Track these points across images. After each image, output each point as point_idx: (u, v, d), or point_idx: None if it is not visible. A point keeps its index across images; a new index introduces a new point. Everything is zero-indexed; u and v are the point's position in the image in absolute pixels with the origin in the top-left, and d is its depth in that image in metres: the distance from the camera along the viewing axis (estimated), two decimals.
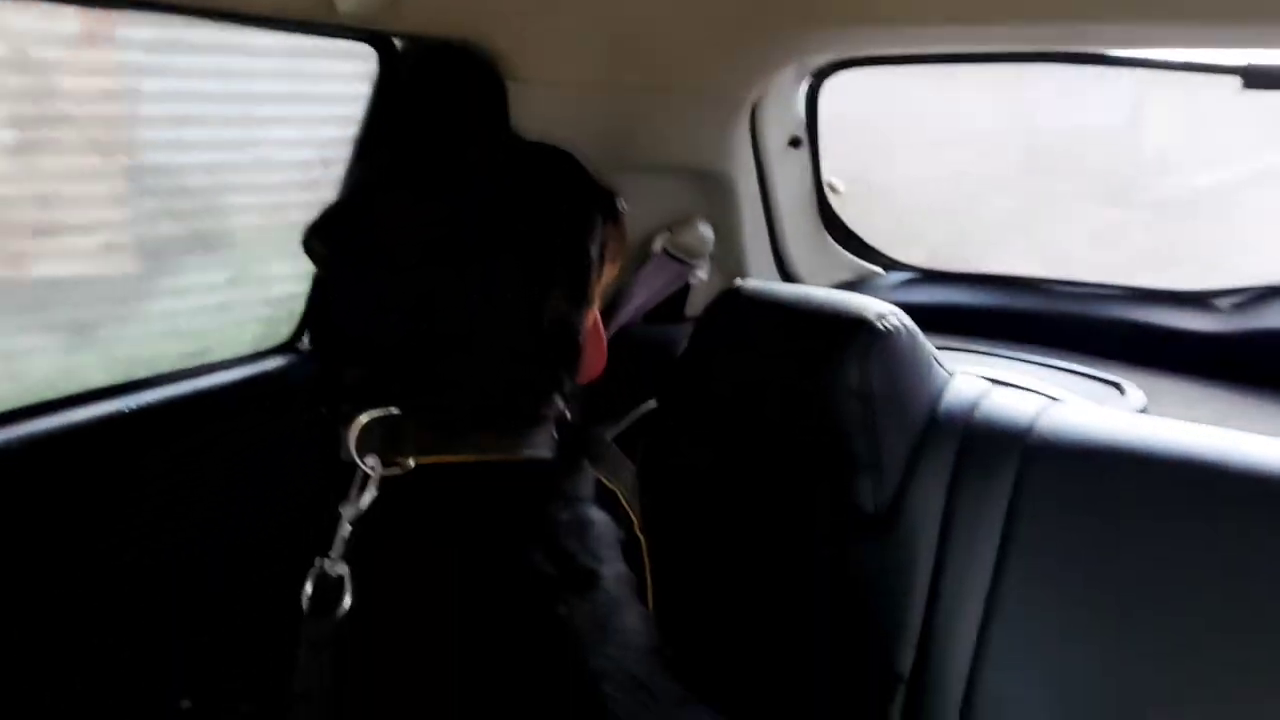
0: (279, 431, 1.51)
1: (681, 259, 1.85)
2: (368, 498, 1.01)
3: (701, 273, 1.90)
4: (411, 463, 1.04)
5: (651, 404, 1.67)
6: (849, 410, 1.34)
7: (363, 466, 1.02)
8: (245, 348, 1.59)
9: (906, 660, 1.35)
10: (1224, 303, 1.82)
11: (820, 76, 1.95)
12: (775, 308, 1.44)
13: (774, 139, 1.92)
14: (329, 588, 0.99)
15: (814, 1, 1.53)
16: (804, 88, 1.96)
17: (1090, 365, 1.72)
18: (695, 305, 1.94)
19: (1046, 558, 1.29)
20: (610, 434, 1.68)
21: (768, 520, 1.46)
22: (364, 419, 1.04)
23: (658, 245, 1.85)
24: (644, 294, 1.82)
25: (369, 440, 1.03)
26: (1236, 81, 1.54)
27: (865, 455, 1.36)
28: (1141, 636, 1.22)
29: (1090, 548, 1.27)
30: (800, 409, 1.39)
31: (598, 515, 1.15)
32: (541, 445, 1.13)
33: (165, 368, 1.46)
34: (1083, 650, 1.25)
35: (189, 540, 1.44)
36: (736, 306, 1.47)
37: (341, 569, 0.99)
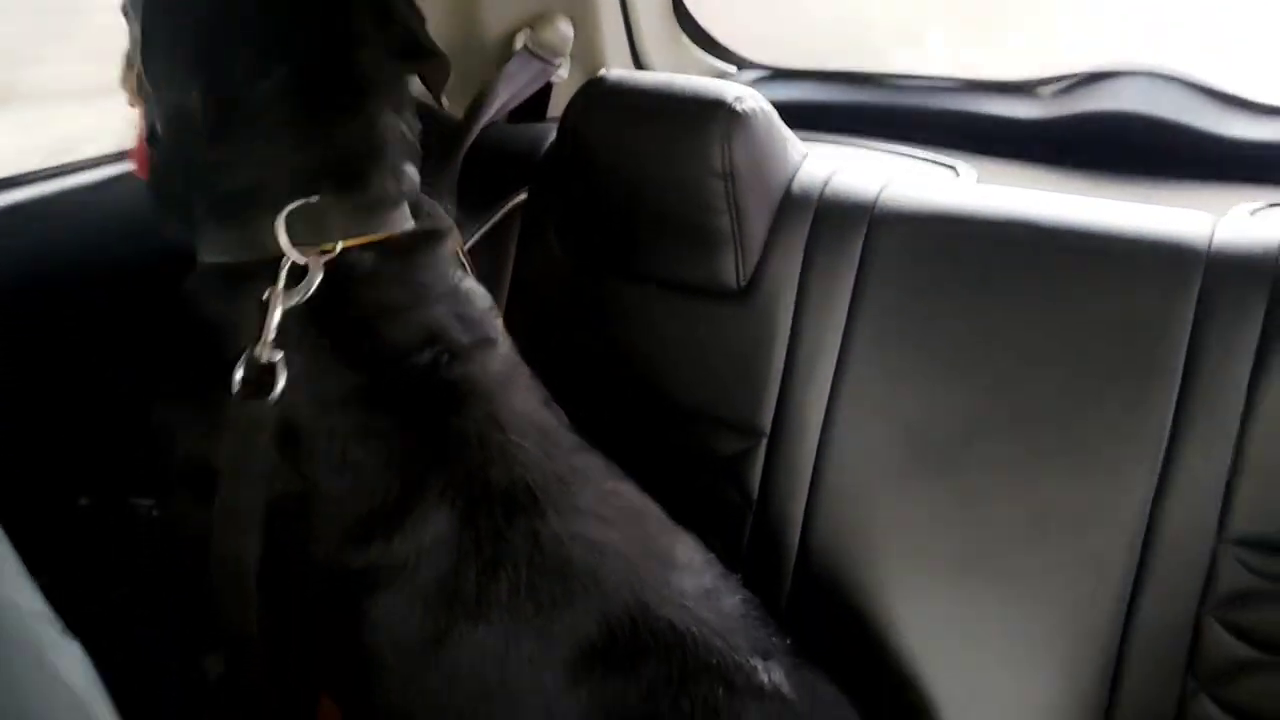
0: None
1: (543, 57, 1.86)
2: (312, 286, 1.04)
3: (563, 71, 1.92)
4: (338, 247, 1.07)
5: (521, 197, 1.73)
6: (712, 188, 1.43)
7: (295, 255, 1.04)
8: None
9: (767, 418, 1.48)
10: (1047, 90, 1.95)
11: None
12: (639, 94, 1.50)
13: None
14: (261, 372, 1.02)
15: None
16: None
17: (927, 151, 1.84)
18: (557, 104, 1.96)
19: (890, 316, 1.41)
20: (481, 228, 1.74)
21: (634, 297, 1.56)
22: (294, 204, 1.06)
23: (519, 43, 1.85)
24: (507, 92, 1.83)
25: (295, 230, 1.05)
26: None
27: (729, 232, 1.46)
28: (971, 377, 1.36)
29: (928, 304, 1.40)
30: (667, 189, 1.47)
31: (474, 283, 1.23)
32: (426, 220, 1.19)
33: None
34: (920, 395, 1.39)
35: (77, 337, 1.44)
36: (602, 95, 1.53)
37: (274, 355, 1.02)
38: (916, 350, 1.40)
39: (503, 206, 1.72)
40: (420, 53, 1.20)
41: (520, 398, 1.17)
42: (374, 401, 1.07)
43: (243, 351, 1.04)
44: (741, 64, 2.18)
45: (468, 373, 1.11)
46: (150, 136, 1.14)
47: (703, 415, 1.51)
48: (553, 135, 1.68)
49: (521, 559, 1.07)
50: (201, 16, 1.06)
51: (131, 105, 1.20)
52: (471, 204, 1.74)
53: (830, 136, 1.90)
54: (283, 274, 1.04)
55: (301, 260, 1.05)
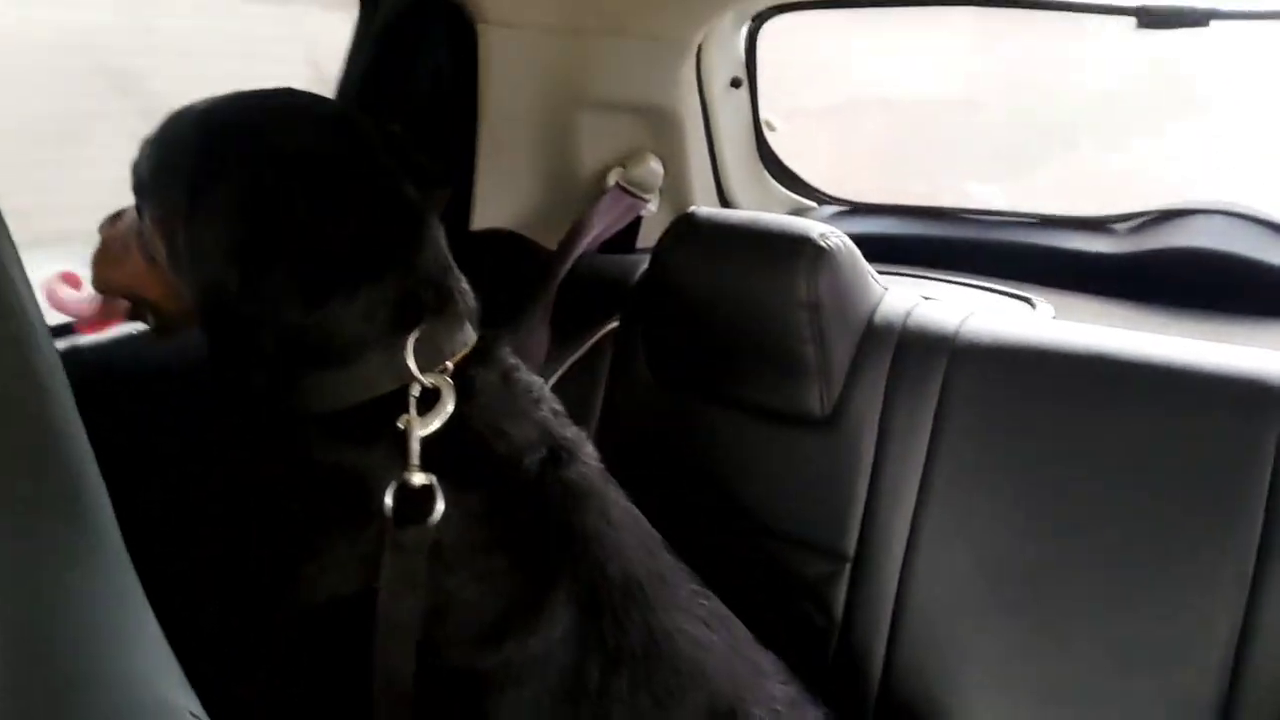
0: None
1: (634, 193, 1.96)
2: (448, 407, 1.07)
3: (652, 205, 2.02)
4: (451, 365, 1.12)
5: (612, 325, 1.81)
6: (798, 319, 1.48)
7: (423, 381, 1.07)
8: None
9: (851, 543, 1.50)
10: (1122, 227, 2.01)
11: (759, 20, 2.08)
12: (728, 230, 1.58)
13: (717, 79, 2.06)
14: (413, 497, 1.05)
15: None
16: (744, 31, 2.10)
17: (1004, 285, 1.89)
18: (646, 236, 2.06)
19: (971, 447, 1.43)
20: (574, 355, 1.82)
21: (722, 424, 1.61)
22: (415, 334, 1.08)
23: (612, 180, 1.96)
24: (599, 225, 1.93)
25: (420, 354, 1.08)
26: (1132, 21, 1.70)
27: (813, 361, 1.51)
28: (1051, 512, 1.37)
29: (1008, 437, 1.42)
30: (754, 321, 1.53)
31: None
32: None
33: None
34: (1003, 525, 1.40)
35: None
36: (692, 230, 1.60)
37: (426, 478, 1.05)
38: (997, 482, 1.42)
39: (595, 334, 1.79)
40: (438, 180, 1.23)
41: (617, 494, 1.21)
42: (505, 510, 1.10)
43: (382, 483, 1.06)
44: (822, 199, 2.27)
45: (579, 470, 1.15)
46: (204, 302, 1.10)
47: (788, 538, 1.54)
48: (643, 266, 1.75)
49: (639, 652, 1.10)
50: (258, 193, 1.06)
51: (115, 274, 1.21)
52: (565, 332, 1.82)
53: (909, 269, 1.96)
54: (413, 401, 1.07)
55: (430, 384, 1.09)
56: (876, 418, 1.50)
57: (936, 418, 1.46)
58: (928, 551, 1.45)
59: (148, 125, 1.13)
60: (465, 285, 1.19)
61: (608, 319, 1.80)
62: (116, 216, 1.21)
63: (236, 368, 1.11)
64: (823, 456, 1.53)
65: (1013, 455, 1.42)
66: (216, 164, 1.06)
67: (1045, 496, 1.38)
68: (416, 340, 1.08)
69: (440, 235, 1.17)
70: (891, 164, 2.36)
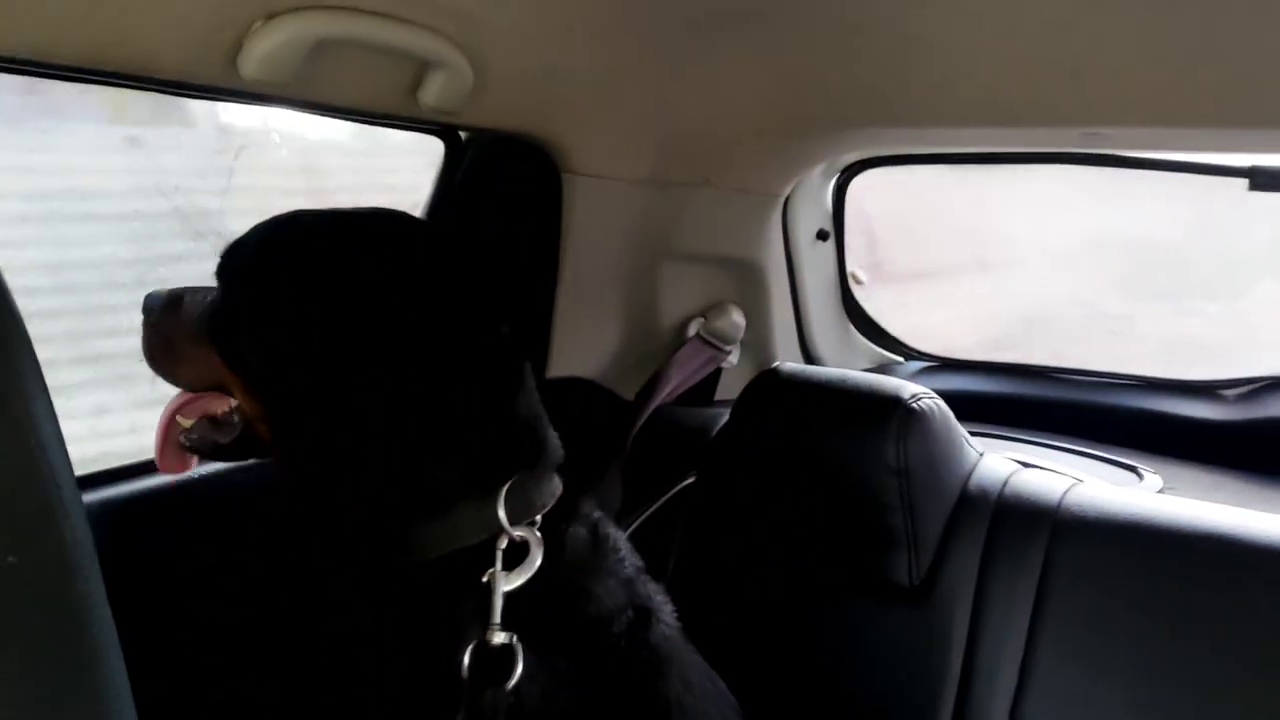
0: None
1: (715, 344, 1.93)
2: (535, 563, 1.02)
3: (733, 357, 1.98)
4: (539, 519, 1.06)
5: (688, 480, 1.74)
6: (887, 486, 1.41)
7: (512, 534, 1.02)
8: None
9: None
10: (1231, 393, 1.90)
11: (847, 173, 2.06)
12: (813, 388, 1.52)
13: (803, 231, 2.03)
14: (493, 657, 0.98)
15: (843, 106, 1.64)
16: (832, 184, 2.08)
17: (1106, 451, 1.79)
18: (726, 388, 2.01)
19: (1077, 629, 1.33)
20: (648, 509, 1.75)
21: (803, 592, 1.52)
22: (508, 484, 1.04)
23: (693, 330, 1.93)
24: (678, 376, 1.90)
25: (510, 505, 1.03)
26: (1244, 183, 1.64)
27: (902, 530, 1.42)
28: (1166, 698, 1.26)
29: (1119, 618, 1.32)
30: (839, 485, 1.45)
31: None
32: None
33: None
34: (1114, 715, 1.29)
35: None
36: (775, 386, 1.55)
37: (508, 638, 0.99)
38: (1107, 667, 1.31)
39: (671, 489, 1.73)
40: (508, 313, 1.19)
41: (695, 658, 1.16)
42: (590, 676, 1.03)
43: (462, 641, 1.00)
44: (909, 354, 2.20)
45: (662, 633, 1.10)
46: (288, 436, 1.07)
47: (873, 717, 1.43)
48: (722, 420, 1.70)
49: None
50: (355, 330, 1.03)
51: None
52: (639, 486, 1.76)
53: (1001, 429, 1.88)
54: (499, 555, 1.02)
55: (519, 538, 1.03)
56: (971, 592, 1.41)
57: (1039, 595, 1.37)
58: None
59: None
60: (554, 435, 1.15)
61: (684, 474, 1.73)
62: (174, 303, 1.14)
63: (326, 507, 1.08)
64: (911, 631, 1.43)
65: (1124, 639, 1.32)
66: (310, 265, 1.03)
67: (1159, 684, 1.28)
68: (508, 491, 1.04)
69: (532, 381, 1.13)
70: (983, 323, 2.29)
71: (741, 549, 1.60)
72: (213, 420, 1.13)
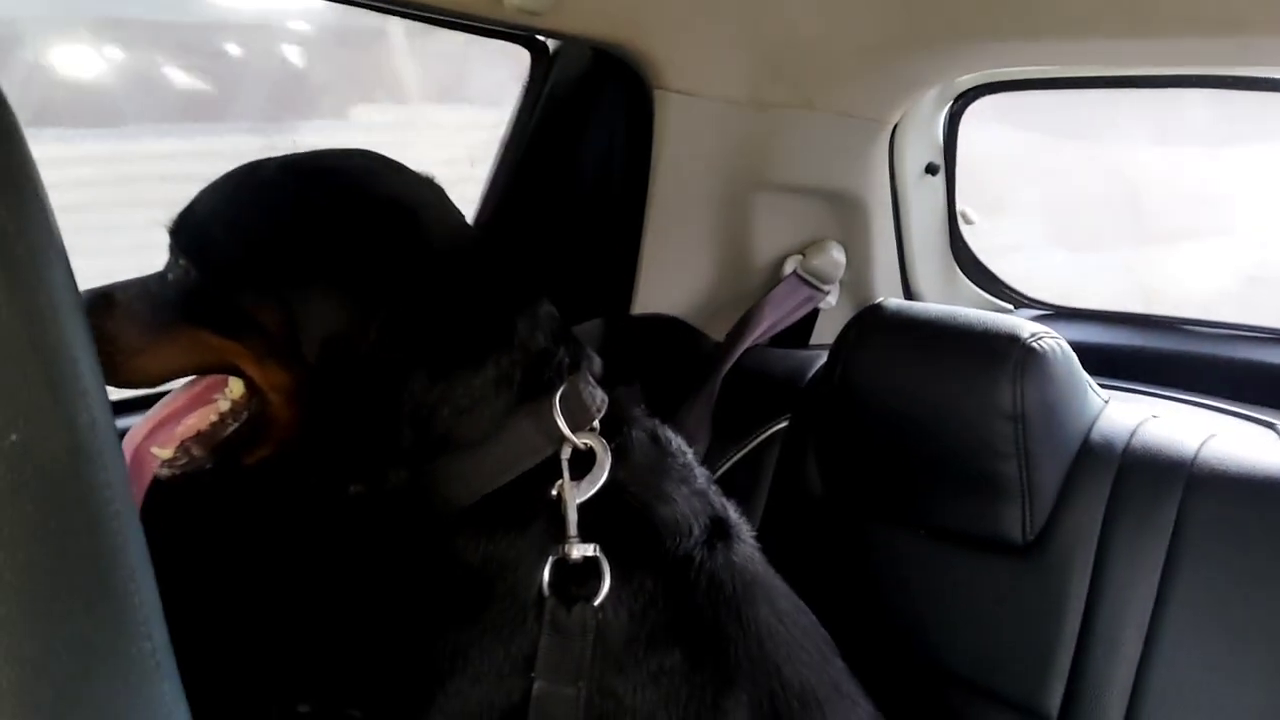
0: None
1: (812, 283, 1.82)
2: (604, 470, 0.96)
3: (831, 298, 1.86)
4: (598, 424, 1.00)
5: (780, 425, 1.64)
6: (999, 432, 1.29)
7: (575, 442, 0.97)
8: None
9: (1054, 700, 1.28)
10: None
11: (961, 100, 1.91)
12: (921, 325, 1.40)
13: (911, 164, 1.90)
14: (574, 573, 0.93)
15: (958, 15, 1.51)
16: (945, 112, 1.93)
17: (1241, 407, 1.64)
18: (822, 331, 1.90)
19: (1212, 594, 1.22)
20: (737, 454, 1.66)
21: (903, 543, 1.42)
22: (560, 391, 0.98)
23: (789, 268, 1.82)
24: (773, 316, 1.79)
25: (567, 414, 0.98)
26: None
27: (1016, 479, 1.31)
28: None
29: (1259, 583, 1.20)
30: (947, 430, 1.34)
31: None
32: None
33: None
34: (1250, 692, 1.18)
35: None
36: (880, 323, 1.43)
37: (587, 549, 0.93)
38: (1243, 636, 1.20)
39: (761, 434, 1.63)
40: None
41: (782, 586, 1.08)
42: (676, 592, 0.97)
43: (539, 563, 0.94)
44: (1020, 301, 2.06)
45: (744, 552, 1.04)
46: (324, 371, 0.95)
47: (975, 688, 1.33)
48: (818, 363, 1.60)
49: None
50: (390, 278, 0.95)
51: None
52: (728, 429, 1.67)
53: (1122, 383, 1.74)
54: (565, 464, 0.96)
55: (583, 445, 0.97)
56: (1091, 550, 1.30)
57: (1169, 556, 1.25)
58: (1156, 715, 1.22)
59: None
60: (586, 348, 1.08)
61: (776, 419, 1.64)
62: (105, 301, 0.98)
63: (370, 468, 0.99)
64: (1022, 592, 1.33)
65: (1266, 605, 1.20)
66: (313, 203, 0.94)
67: None
68: (561, 396, 0.98)
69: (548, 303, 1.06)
70: (1102, 269, 2.12)
71: (836, 497, 1.51)
72: (211, 426, 1.00)
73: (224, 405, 0.99)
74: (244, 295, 0.94)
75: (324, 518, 1.09)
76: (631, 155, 1.60)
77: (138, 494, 0.96)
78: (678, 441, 1.09)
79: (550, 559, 0.93)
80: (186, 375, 1.00)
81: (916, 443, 1.39)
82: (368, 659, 1.03)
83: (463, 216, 1.06)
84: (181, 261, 0.97)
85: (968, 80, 1.85)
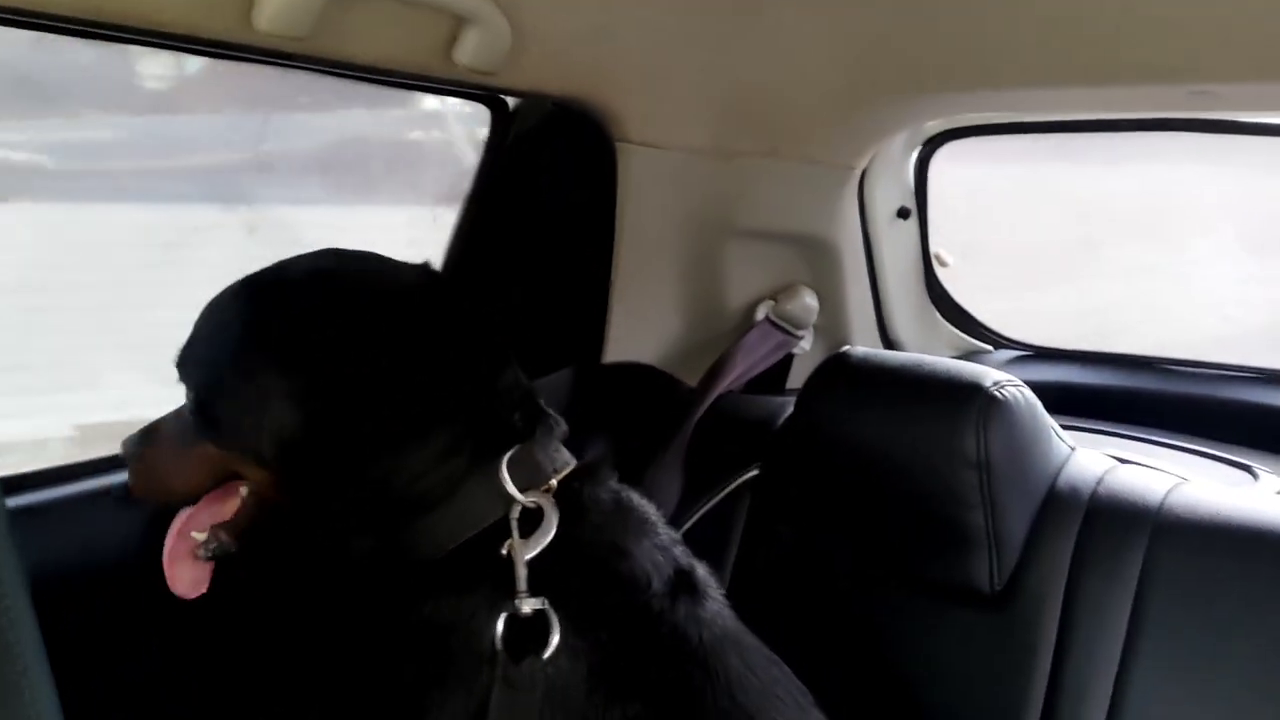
0: None
1: (785, 328, 1.81)
2: (552, 525, 0.98)
3: (805, 343, 1.86)
4: (554, 484, 1.02)
5: (752, 472, 1.63)
6: (965, 481, 1.29)
7: (522, 500, 0.99)
8: None
9: None
10: None
11: (931, 145, 1.92)
12: (886, 373, 1.40)
13: (882, 208, 1.90)
14: (525, 627, 0.94)
15: (922, 67, 1.52)
16: (914, 156, 1.94)
17: (1219, 449, 1.63)
18: (798, 377, 1.89)
19: (1180, 644, 1.21)
20: (709, 503, 1.65)
21: (873, 594, 1.40)
22: (508, 454, 1.01)
23: (761, 313, 1.82)
24: (745, 362, 1.79)
25: (517, 475, 1.00)
26: None
27: (982, 528, 1.30)
28: None
29: (1226, 632, 1.19)
30: (913, 479, 1.34)
31: None
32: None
33: None
34: None
35: None
36: (845, 372, 1.43)
37: (539, 603, 0.95)
38: (1211, 687, 1.19)
39: (732, 482, 1.62)
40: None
41: (752, 640, 1.07)
42: (635, 645, 0.97)
43: (492, 618, 0.95)
44: (999, 342, 2.06)
45: (712, 607, 1.03)
46: (282, 461, 1.04)
47: None
48: (790, 410, 1.59)
49: None
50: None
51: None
52: (700, 476, 1.66)
53: (1099, 424, 1.73)
54: (514, 523, 0.98)
55: (530, 504, 0.99)
56: (1059, 600, 1.29)
57: (1136, 605, 1.24)
58: None
59: None
60: (553, 412, 1.10)
61: (748, 465, 1.62)
62: (150, 433, 1.14)
63: (336, 535, 1.05)
64: (991, 641, 1.32)
65: (1233, 657, 1.19)
66: (263, 318, 1.03)
67: (1271, 706, 1.16)
68: (510, 461, 1.01)
69: (516, 364, 1.10)
70: (1085, 313, 2.11)
71: (806, 547, 1.50)
72: (235, 515, 1.11)
73: (244, 493, 1.09)
74: (227, 409, 1.04)
75: (303, 586, 1.16)
76: (596, 206, 1.60)
77: (187, 576, 1.10)
78: (640, 500, 1.10)
79: (503, 615, 0.94)
80: (207, 489, 1.10)
81: (884, 491, 1.38)
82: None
83: (416, 280, 1.08)
84: (186, 382, 1.08)
85: (935, 125, 1.86)
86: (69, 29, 1.02)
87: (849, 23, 1.45)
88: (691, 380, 1.78)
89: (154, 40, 1.08)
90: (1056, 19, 1.31)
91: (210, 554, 1.10)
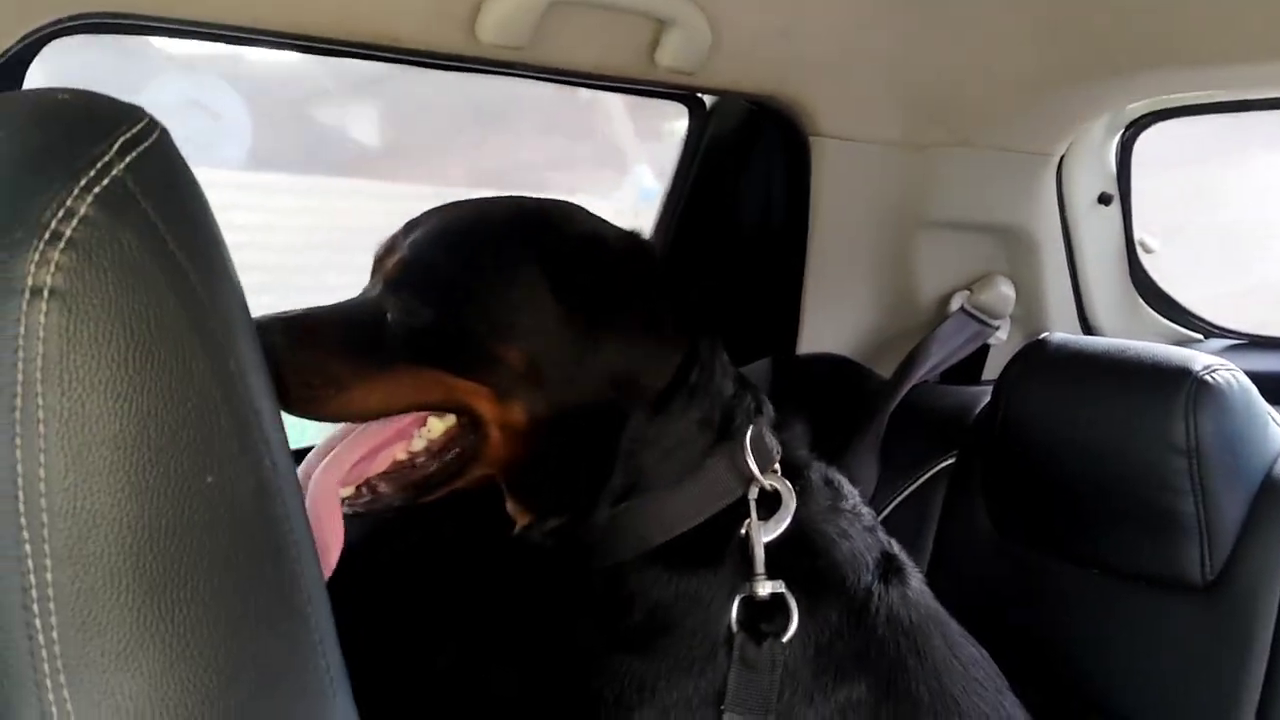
0: None
1: (981, 318, 1.79)
2: (790, 510, 0.99)
3: (1001, 333, 1.83)
4: (778, 466, 1.03)
5: (948, 461, 1.63)
6: (1173, 467, 1.26)
7: (764, 482, 1.00)
8: None
9: None
10: None
11: (1134, 127, 1.86)
12: (1087, 359, 1.38)
13: (1082, 195, 1.85)
14: (761, 609, 0.96)
15: (1118, 46, 1.47)
16: (1116, 140, 1.88)
17: None
18: (995, 367, 1.87)
19: None
20: (904, 490, 1.65)
21: (1075, 584, 1.38)
22: (749, 433, 1.01)
23: (956, 304, 1.81)
24: (941, 353, 1.78)
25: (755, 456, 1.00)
26: None
27: (1193, 516, 1.27)
28: None
29: None
30: (1117, 466, 1.31)
31: None
32: None
33: None
34: None
35: None
36: (1044, 357, 1.42)
37: (776, 586, 0.96)
38: None
39: (928, 470, 1.62)
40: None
41: (951, 620, 1.09)
42: (860, 626, 0.99)
43: (727, 601, 0.96)
44: (1209, 331, 1.97)
45: (917, 589, 1.05)
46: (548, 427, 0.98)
47: None
48: (987, 399, 1.57)
49: None
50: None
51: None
52: (896, 465, 1.67)
53: None
54: (754, 504, 0.99)
55: (769, 486, 1.00)
56: (1276, 591, 1.25)
57: None
58: None
59: None
60: (763, 395, 1.11)
61: (943, 455, 1.63)
62: (302, 328, 0.93)
63: (576, 505, 1.01)
64: (1202, 634, 1.29)
65: None
66: (542, 241, 0.98)
67: None
68: (751, 440, 1.01)
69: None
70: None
71: (1004, 535, 1.48)
72: (399, 465, 0.99)
73: (418, 444, 0.99)
74: (490, 337, 0.95)
75: (497, 557, 1.12)
76: (791, 200, 1.63)
77: (333, 531, 0.92)
78: (847, 484, 1.11)
79: (739, 597, 0.96)
80: (404, 412, 0.97)
81: (1086, 479, 1.36)
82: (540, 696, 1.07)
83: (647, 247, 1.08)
84: (405, 295, 0.95)
85: (1138, 107, 1.80)
86: (312, 49, 1.12)
87: (1036, 6, 1.43)
88: (886, 372, 1.79)
89: (389, 55, 1.18)
90: None
91: (366, 507, 0.98)
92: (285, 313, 0.93)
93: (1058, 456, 1.39)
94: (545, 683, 1.06)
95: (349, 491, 0.96)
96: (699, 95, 1.57)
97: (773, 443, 1.04)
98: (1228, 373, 1.27)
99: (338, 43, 1.10)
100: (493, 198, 1.04)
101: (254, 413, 0.59)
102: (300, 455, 0.93)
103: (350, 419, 0.96)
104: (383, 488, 0.98)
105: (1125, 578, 1.34)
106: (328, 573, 0.87)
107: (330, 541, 0.90)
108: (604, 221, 1.05)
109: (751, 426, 1.02)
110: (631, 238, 1.04)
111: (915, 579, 1.07)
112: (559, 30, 1.20)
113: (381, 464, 0.98)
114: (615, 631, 0.99)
